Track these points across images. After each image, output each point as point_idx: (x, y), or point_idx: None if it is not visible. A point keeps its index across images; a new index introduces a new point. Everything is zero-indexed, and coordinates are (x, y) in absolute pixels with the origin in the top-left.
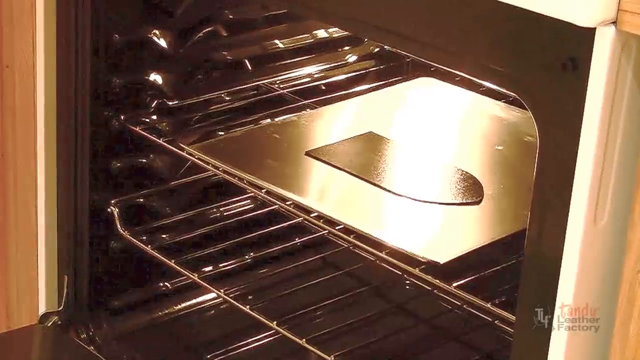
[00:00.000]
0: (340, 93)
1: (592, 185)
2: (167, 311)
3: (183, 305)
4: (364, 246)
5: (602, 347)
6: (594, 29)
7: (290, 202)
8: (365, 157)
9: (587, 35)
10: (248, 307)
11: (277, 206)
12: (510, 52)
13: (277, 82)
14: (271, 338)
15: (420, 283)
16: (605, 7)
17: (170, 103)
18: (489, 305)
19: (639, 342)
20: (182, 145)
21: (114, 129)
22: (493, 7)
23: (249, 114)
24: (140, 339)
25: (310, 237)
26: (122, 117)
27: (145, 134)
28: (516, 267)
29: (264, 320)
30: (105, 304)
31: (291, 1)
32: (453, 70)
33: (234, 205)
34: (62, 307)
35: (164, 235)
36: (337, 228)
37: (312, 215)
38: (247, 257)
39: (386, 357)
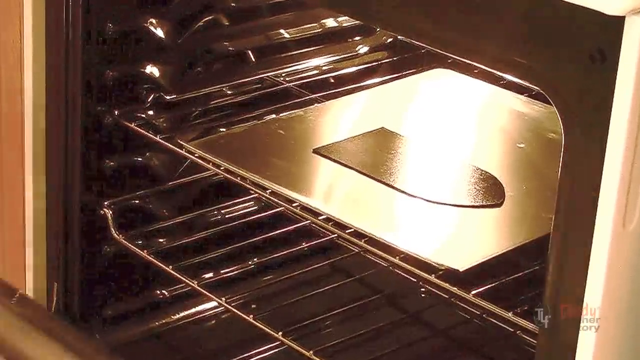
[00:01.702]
0: (350, 86)
1: (621, 185)
2: (164, 321)
3: (181, 314)
4: (376, 251)
5: (632, 352)
6: (623, 17)
7: (297, 204)
8: (376, 155)
9: (615, 25)
10: (251, 316)
11: (282, 208)
12: (534, 43)
13: (283, 74)
14: (276, 350)
15: (436, 291)
16: None
17: (168, 97)
18: (510, 314)
19: None
20: (180, 142)
21: (107, 125)
22: None
23: (252, 109)
24: (136, 351)
25: (318, 241)
26: (116, 112)
27: (141, 130)
28: (540, 273)
29: (269, 330)
30: (98, 313)
31: None
32: (472, 62)
33: (236, 207)
34: None
35: (161, 240)
36: (346, 232)
37: (320, 217)
38: (250, 262)
39: None
